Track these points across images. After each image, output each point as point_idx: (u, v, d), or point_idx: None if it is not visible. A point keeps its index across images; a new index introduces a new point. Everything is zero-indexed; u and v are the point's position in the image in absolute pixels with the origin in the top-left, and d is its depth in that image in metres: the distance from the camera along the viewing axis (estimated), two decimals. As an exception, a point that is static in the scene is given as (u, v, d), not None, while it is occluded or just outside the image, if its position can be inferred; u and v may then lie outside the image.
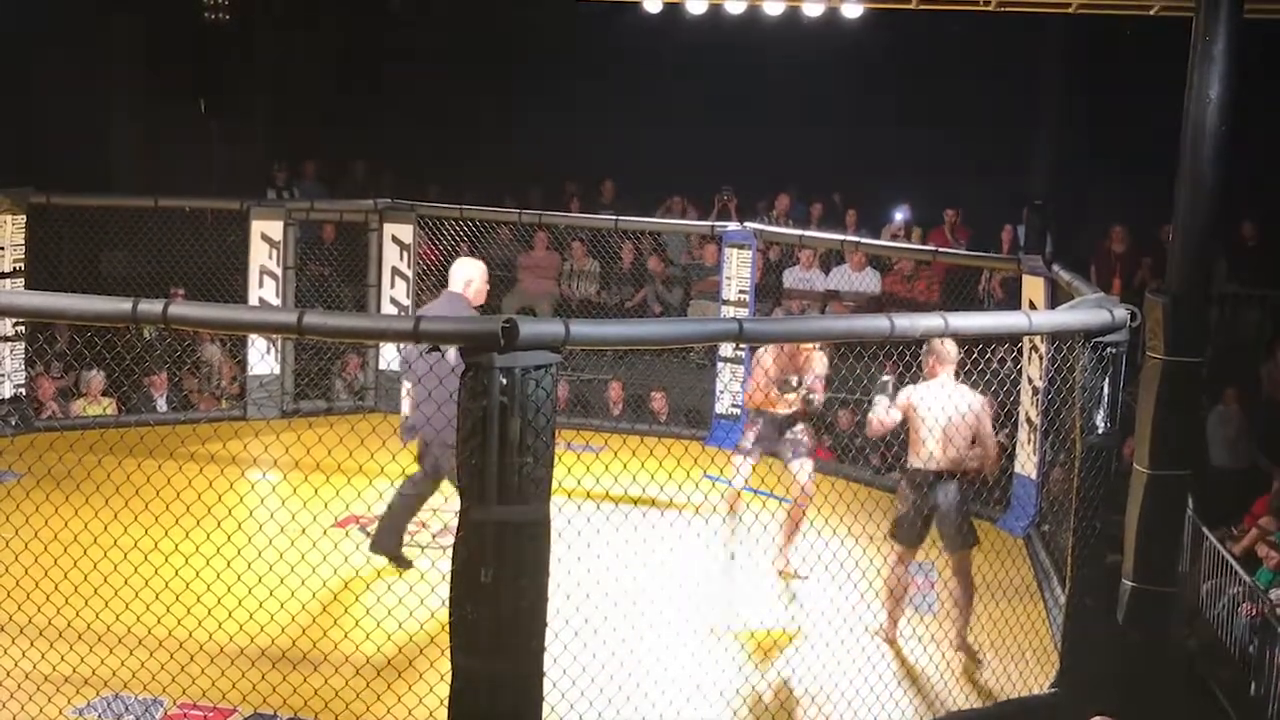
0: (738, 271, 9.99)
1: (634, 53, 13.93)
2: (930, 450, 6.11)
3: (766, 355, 7.03)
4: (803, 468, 7.06)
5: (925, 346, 6.21)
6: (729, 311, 9.88)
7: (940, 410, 6.06)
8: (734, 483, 7.22)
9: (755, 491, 7.21)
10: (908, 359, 6.36)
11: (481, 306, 6.84)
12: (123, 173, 13.68)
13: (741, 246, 9.98)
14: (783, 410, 7.09)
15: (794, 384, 7.01)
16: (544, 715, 4.38)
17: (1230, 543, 8.31)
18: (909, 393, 6.22)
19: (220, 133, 14.39)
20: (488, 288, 6.89)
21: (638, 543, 5.89)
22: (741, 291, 9.96)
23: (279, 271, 9.63)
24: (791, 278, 12.07)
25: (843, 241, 10.88)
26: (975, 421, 6.16)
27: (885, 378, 6.36)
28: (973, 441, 6.15)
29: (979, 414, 6.20)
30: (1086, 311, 5.59)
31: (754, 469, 7.18)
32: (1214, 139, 6.03)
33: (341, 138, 14.20)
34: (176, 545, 5.92)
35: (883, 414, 6.23)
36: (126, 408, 10.03)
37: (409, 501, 6.79)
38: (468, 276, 6.74)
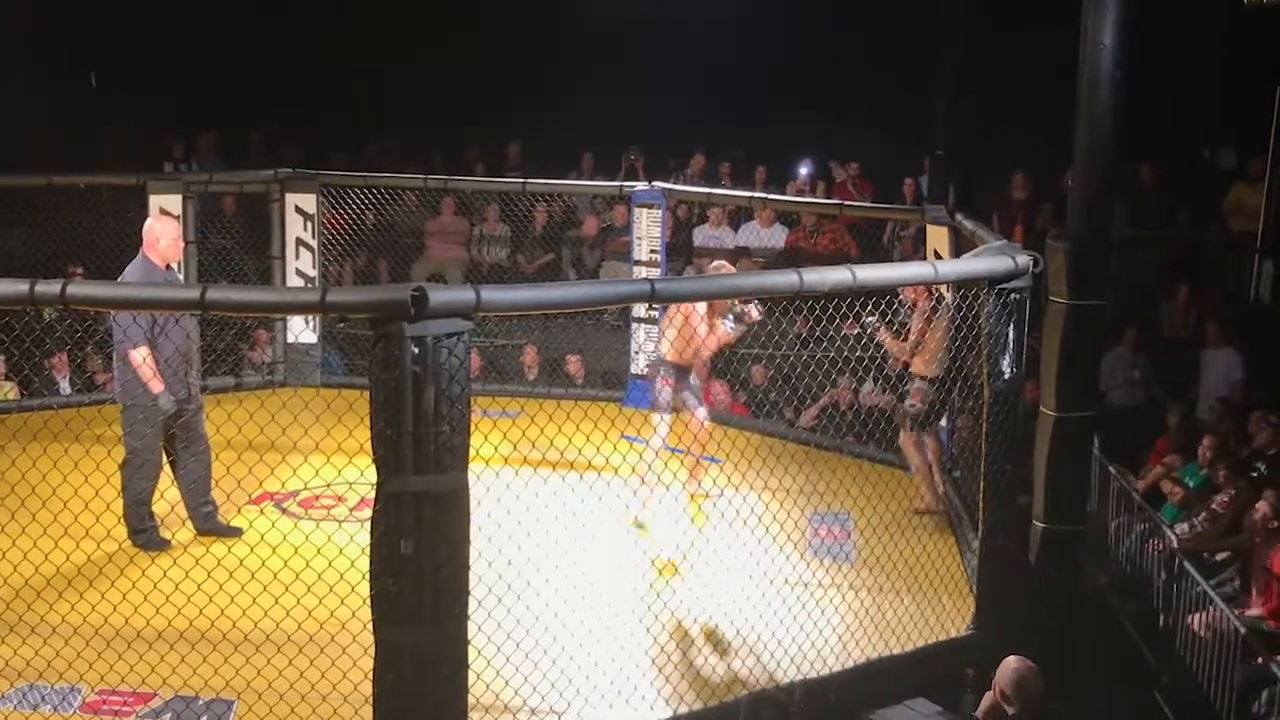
0: (648, 231, 9.97)
1: (539, 15, 13.80)
2: (942, 358, 7.28)
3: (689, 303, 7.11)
4: (699, 409, 7.62)
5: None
6: (641, 272, 9.89)
7: (948, 324, 6.92)
8: (651, 443, 7.26)
9: (673, 450, 7.24)
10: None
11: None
12: (14, 149, 13.25)
13: (651, 206, 9.97)
14: (707, 352, 7.52)
15: (738, 310, 7.30)
16: (470, 683, 4.39)
17: (1135, 480, 8.52)
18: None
19: (113, 105, 13.98)
20: (181, 244, 6.99)
21: (558, 506, 5.91)
22: (652, 251, 9.95)
23: (180, 246, 9.40)
24: (701, 236, 12.10)
25: (750, 198, 10.92)
26: None
27: (874, 320, 7.38)
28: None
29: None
30: (990, 259, 5.69)
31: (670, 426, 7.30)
32: (1109, 85, 6.10)
33: (238, 107, 13.87)
34: (87, 530, 5.80)
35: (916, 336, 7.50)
36: (29, 391, 9.79)
37: (132, 476, 6.68)
38: (154, 236, 6.71)
